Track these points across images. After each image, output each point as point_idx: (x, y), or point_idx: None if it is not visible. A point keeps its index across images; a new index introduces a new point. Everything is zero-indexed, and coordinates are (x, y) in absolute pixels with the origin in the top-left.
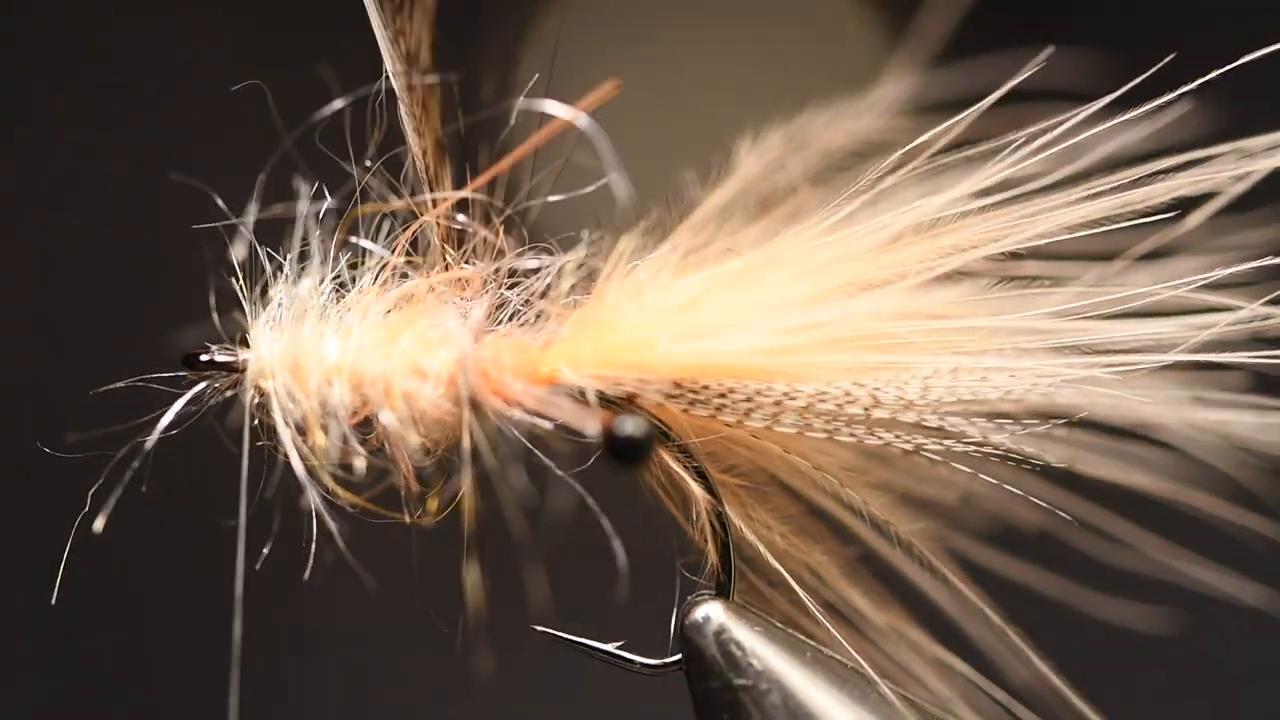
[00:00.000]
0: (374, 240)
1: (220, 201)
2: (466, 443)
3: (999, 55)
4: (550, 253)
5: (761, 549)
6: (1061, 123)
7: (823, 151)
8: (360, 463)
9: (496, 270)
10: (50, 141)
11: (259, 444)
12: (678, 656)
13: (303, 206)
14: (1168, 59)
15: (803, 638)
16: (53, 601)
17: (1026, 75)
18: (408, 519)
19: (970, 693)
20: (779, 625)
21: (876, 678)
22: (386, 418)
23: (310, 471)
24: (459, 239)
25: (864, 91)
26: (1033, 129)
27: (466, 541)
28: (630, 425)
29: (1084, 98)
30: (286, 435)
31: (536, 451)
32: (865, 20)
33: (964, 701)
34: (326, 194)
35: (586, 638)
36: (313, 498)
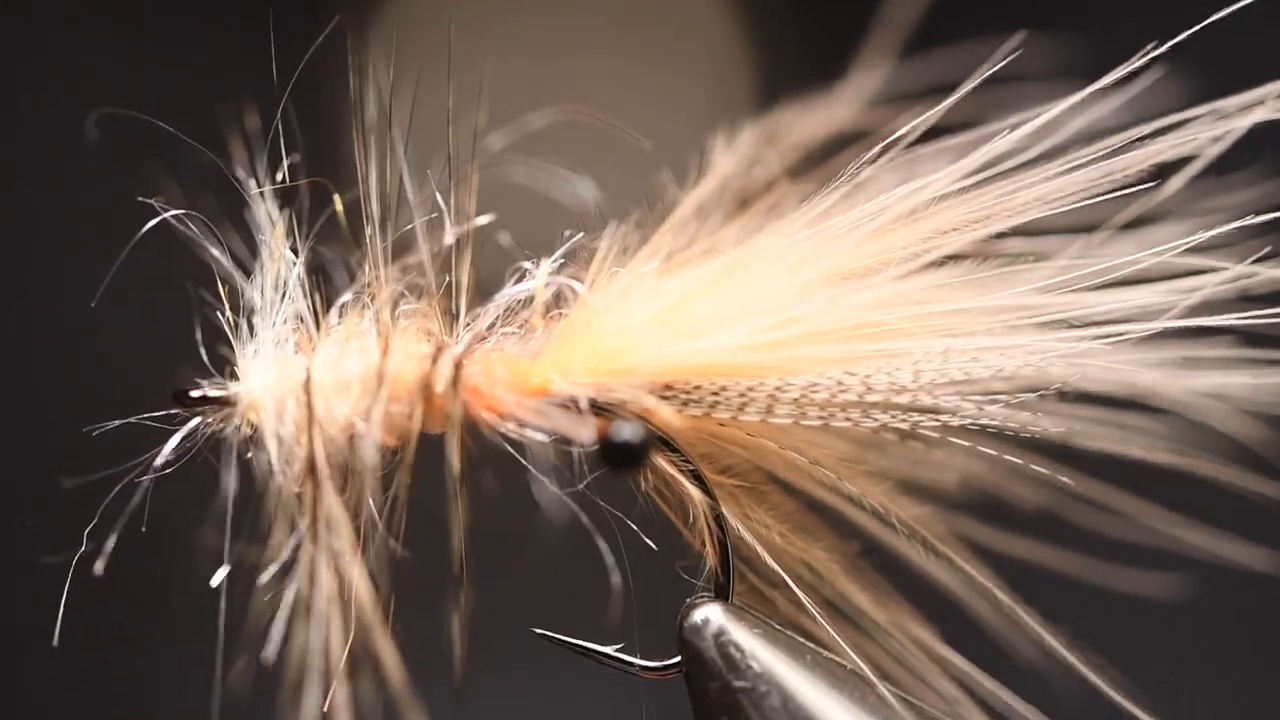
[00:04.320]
0: (358, 266)
1: (213, 231)
2: (457, 462)
3: (972, 38)
4: (533, 264)
5: (759, 549)
6: (1039, 112)
7: (798, 145)
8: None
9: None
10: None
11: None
12: (677, 659)
13: (280, 236)
14: (1150, 47)
15: (802, 640)
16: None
17: (999, 62)
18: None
19: (973, 688)
20: (778, 627)
21: (876, 680)
22: (370, 442)
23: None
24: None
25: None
26: (1012, 120)
27: (459, 556)
28: (627, 431)
29: (1057, 77)
30: (280, 464)
31: (530, 466)
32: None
33: (967, 700)
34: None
35: (585, 640)
36: (302, 524)
